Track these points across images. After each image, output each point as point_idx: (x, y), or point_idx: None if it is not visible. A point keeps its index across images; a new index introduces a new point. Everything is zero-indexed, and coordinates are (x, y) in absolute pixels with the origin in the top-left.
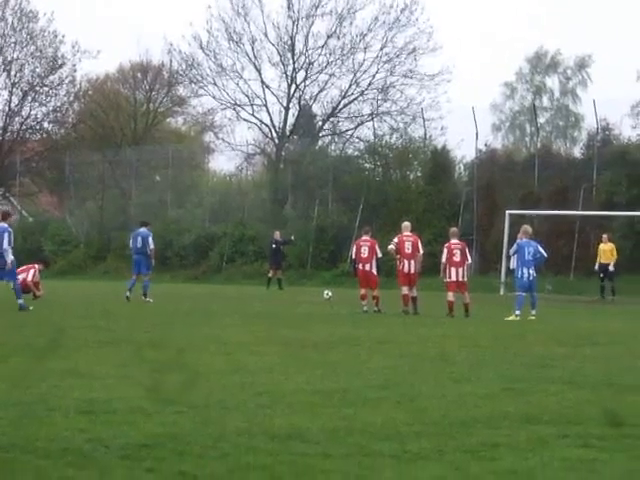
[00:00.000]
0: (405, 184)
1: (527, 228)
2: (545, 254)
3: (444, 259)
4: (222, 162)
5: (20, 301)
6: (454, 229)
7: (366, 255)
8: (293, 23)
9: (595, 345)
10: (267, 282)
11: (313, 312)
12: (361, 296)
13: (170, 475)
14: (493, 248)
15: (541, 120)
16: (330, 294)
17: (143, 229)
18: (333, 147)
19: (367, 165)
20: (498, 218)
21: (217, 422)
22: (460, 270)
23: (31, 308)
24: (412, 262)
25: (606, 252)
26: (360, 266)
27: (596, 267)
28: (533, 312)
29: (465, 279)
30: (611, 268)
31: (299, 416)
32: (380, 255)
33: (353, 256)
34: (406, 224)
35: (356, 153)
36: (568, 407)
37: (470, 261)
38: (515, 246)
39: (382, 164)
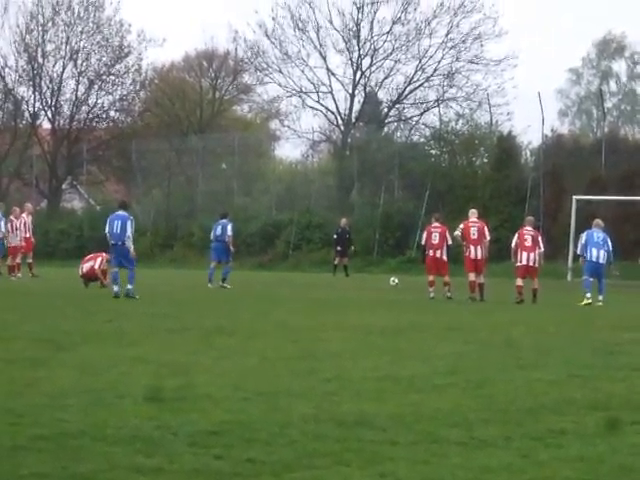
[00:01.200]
0: (471, 170)
1: (598, 222)
2: (610, 247)
3: (514, 244)
4: (288, 149)
5: (129, 286)
6: (530, 217)
7: (437, 241)
8: (358, 10)
9: None
10: (333, 269)
11: (380, 299)
12: (429, 282)
13: (238, 462)
14: (560, 234)
15: (608, 105)
16: (397, 281)
17: (224, 220)
18: (399, 134)
19: (433, 152)
20: (565, 204)
21: (284, 409)
22: (531, 255)
23: (137, 297)
24: (479, 248)
25: None
26: (431, 252)
27: None
28: (600, 298)
29: (536, 265)
30: None
31: (366, 402)
32: (450, 242)
33: (423, 242)
34: (473, 210)
35: (422, 139)
36: (636, 393)
37: (542, 249)
38: (584, 234)
39: (448, 150)
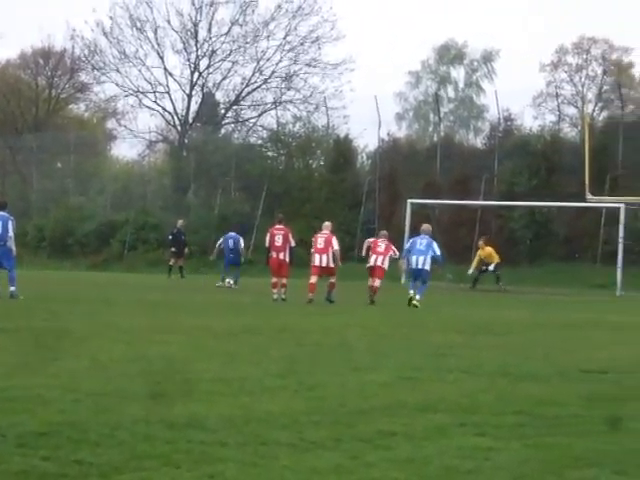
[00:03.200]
0: (308, 173)
1: (426, 227)
2: (438, 252)
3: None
4: (124, 149)
5: (12, 288)
6: (384, 232)
7: (280, 243)
8: (196, 10)
9: (492, 334)
10: (168, 270)
11: (214, 301)
12: (272, 284)
13: (66, 463)
14: (395, 237)
15: (445, 110)
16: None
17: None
18: (236, 135)
19: (270, 153)
20: (400, 207)
21: (115, 410)
22: (379, 258)
23: (21, 297)
24: (324, 256)
25: (486, 257)
26: (274, 254)
27: (470, 271)
28: (418, 298)
29: (382, 265)
30: (491, 268)
31: (197, 404)
32: (294, 244)
33: (267, 245)
34: (326, 224)
35: (259, 141)
36: (465, 396)
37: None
38: (410, 241)
39: (285, 153)
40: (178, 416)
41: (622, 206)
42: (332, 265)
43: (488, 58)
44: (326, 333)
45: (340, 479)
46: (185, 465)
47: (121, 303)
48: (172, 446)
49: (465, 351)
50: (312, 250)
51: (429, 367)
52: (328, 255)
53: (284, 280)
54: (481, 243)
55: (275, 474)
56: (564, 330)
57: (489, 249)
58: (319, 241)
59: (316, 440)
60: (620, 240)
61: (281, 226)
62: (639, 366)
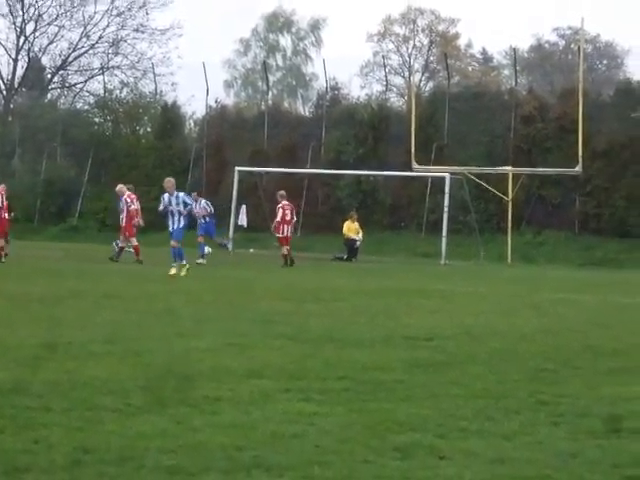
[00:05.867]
0: (135, 139)
1: (168, 181)
2: (189, 202)
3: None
4: None
5: None
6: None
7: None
8: None
9: (319, 301)
10: None
11: (41, 267)
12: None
13: None
14: (223, 204)
15: (273, 79)
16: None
17: None
18: (63, 101)
19: (97, 119)
20: (227, 175)
21: None
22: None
23: None
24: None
25: (352, 229)
26: None
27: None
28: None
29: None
30: (358, 244)
31: (22, 370)
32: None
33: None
34: (283, 193)
35: (86, 107)
36: (290, 362)
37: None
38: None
39: (112, 119)
40: (3, 382)
41: (447, 175)
42: None
43: (315, 26)
44: (152, 299)
45: (166, 443)
46: (9, 430)
47: None
48: None
49: (292, 318)
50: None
51: (255, 333)
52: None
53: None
54: (355, 215)
55: (101, 439)
56: (389, 297)
57: (357, 224)
58: (288, 212)
59: (142, 405)
60: (445, 209)
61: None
62: (461, 333)
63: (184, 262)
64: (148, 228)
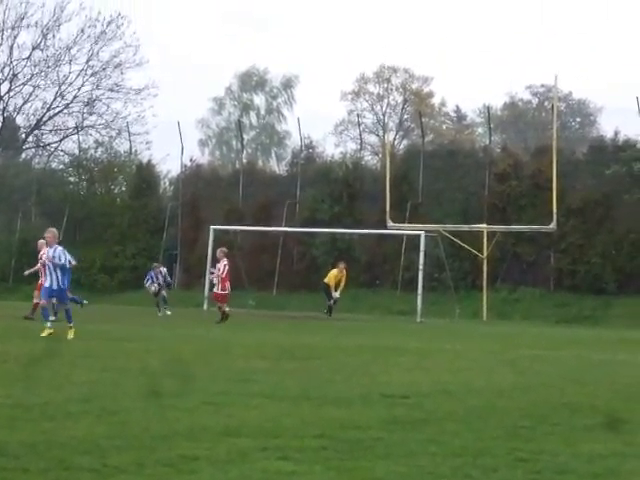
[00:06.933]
0: (110, 198)
1: (52, 231)
2: (62, 260)
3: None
4: None
5: None
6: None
7: None
8: None
9: (295, 359)
10: None
11: (15, 326)
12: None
13: None
14: (197, 263)
15: (247, 137)
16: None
17: None
18: (37, 160)
19: (72, 179)
20: (203, 233)
21: None
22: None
23: None
24: None
25: (332, 280)
26: None
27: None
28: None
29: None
30: (337, 295)
31: None
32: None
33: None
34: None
35: (61, 167)
36: (268, 420)
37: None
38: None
39: (87, 178)
40: None
41: (422, 233)
42: None
43: (287, 85)
44: (129, 358)
45: None
46: None
47: None
48: None
49: (268, 376)
50: (223, 277)
51: (232, 392)
52: None
53: None
54: (343, 266)
55: None
56: (366, 355)
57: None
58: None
59: (119, 465)
60: (420, 267)
61: None
62: (438, 390)
63: (49, 323)
64: (125, 287)
